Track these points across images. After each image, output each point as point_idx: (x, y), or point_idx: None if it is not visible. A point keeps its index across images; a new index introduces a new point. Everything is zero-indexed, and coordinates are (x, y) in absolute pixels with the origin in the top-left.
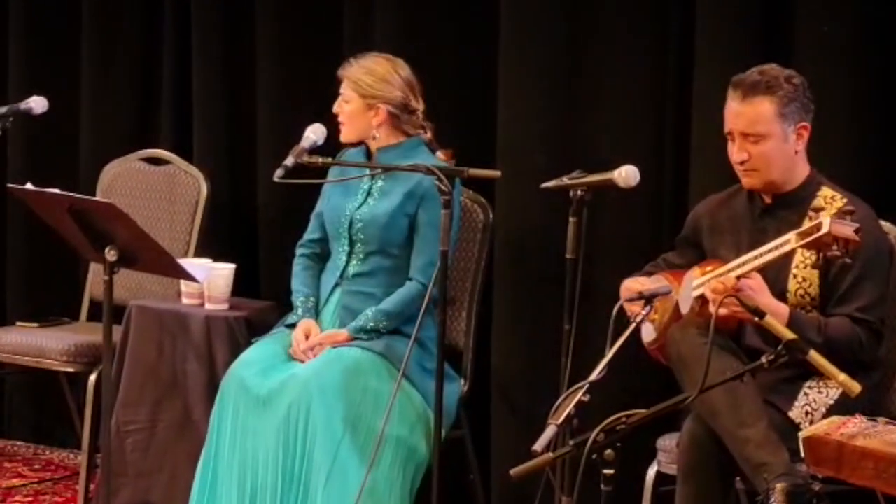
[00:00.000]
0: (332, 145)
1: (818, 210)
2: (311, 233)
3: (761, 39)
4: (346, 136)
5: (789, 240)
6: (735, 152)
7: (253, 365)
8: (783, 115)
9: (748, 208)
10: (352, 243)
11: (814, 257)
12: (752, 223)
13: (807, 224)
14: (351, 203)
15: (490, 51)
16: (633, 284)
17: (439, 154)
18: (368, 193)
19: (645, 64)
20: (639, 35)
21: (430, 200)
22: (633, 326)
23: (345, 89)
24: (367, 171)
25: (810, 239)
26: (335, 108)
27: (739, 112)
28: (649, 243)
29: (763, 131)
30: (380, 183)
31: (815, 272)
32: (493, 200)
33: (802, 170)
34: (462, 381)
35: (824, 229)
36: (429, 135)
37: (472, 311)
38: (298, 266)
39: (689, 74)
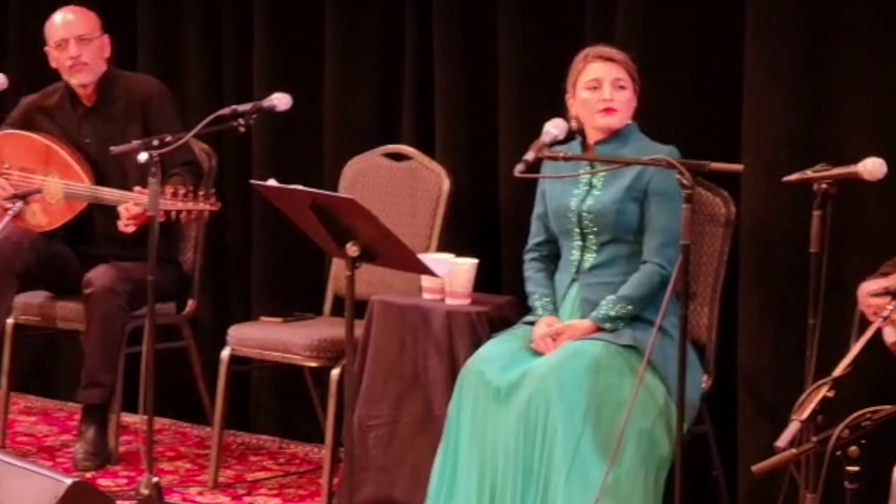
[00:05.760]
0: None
1: None
2: (535, 236)
3: None
4: (619, 122)
5: None
6: None
7: (492, 359)
8: None
9: None
10: (583, 237)
11: None
12: None
13: None
14: (574, 198)
15: (734, 44)
16: (870, 286)
17: None
18: (590, 184)
19: (892, 58)
20: (886, 29)
21: (658, 183)
22: (878, 322)
23: (618, 73)
24: (590, 166)
25: None
26: (609, 96)
27: None
28: None
29: None
30: (602, 172)
31: None
32: (737, 195)
33: None
34: (705, 376)
35: None
36: None
37: (716, 306)
38: (530, 270)
39: None
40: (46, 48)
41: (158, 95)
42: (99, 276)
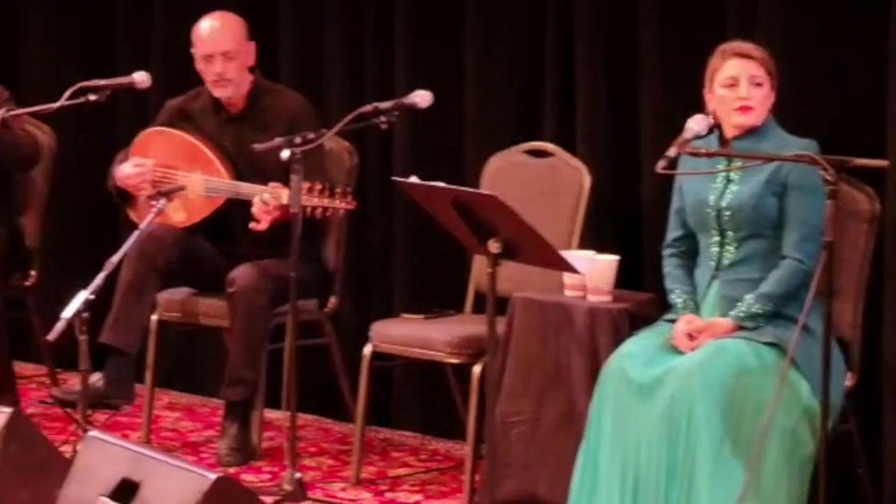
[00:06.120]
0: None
1: None
2: (673, 231)
3: None
4: (755, 120)
5: None
6: None
7: (634, 356)
8: None
9: None
10: (722, 233)
11: None
12: None
13: None
14: (712, 193)
15: (877, 39)
16: None
17: None
18: (728, 179)
19: None
20: None
21: (797, 177)
22: None
23: (755, 70)
24: (728, 161)
25: None
26: (745, 94)
27: None
28: None
29: None
30: (739, 167)
31: None
32: (882, 191)
33: None
34: (849, 374)
35: None
36: None
37: (860, 303)
38: (669, 266)
39: None
40: (193, 50)
41: (305, 113)
42: (242, 275)
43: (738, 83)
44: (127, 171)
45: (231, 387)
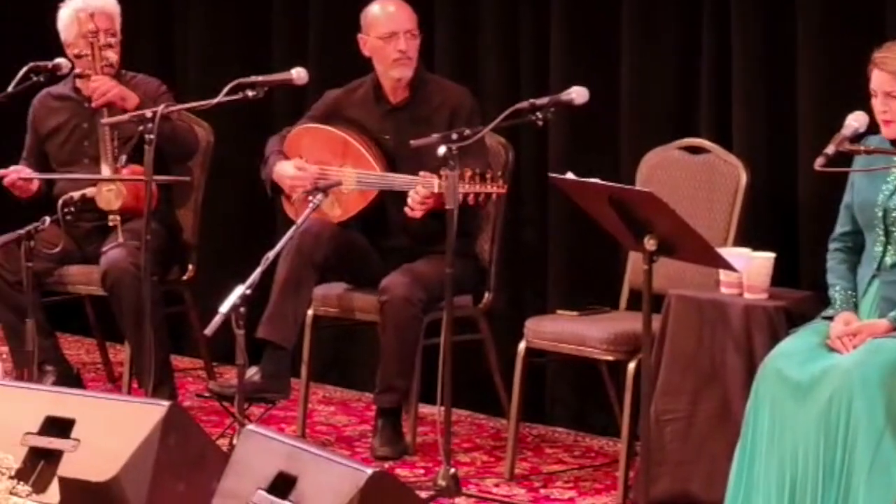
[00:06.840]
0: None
1: None
2: (841, 226)
3: None
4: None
5: None
6: None
7: (791, 355)
8: None
9: None
10: (887, 233)
11: None
12: None
13: None
14: (882, 192)
15: None
16: None
17: None
18: None
19: None
20: None
21: None
22: None
23: (888, 85)
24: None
25: None
26: (881, 108)
27: None
28: None
29: None
30: None
31: None
32: None
33: None
34: None
35: None
36: None
37: None
38: (833, 260)
39: None
40: (361, 36)
41: (470, 107)
42: (395, 284)
43: (876, 95)
44: (290, 172)
45: (383, 394)
